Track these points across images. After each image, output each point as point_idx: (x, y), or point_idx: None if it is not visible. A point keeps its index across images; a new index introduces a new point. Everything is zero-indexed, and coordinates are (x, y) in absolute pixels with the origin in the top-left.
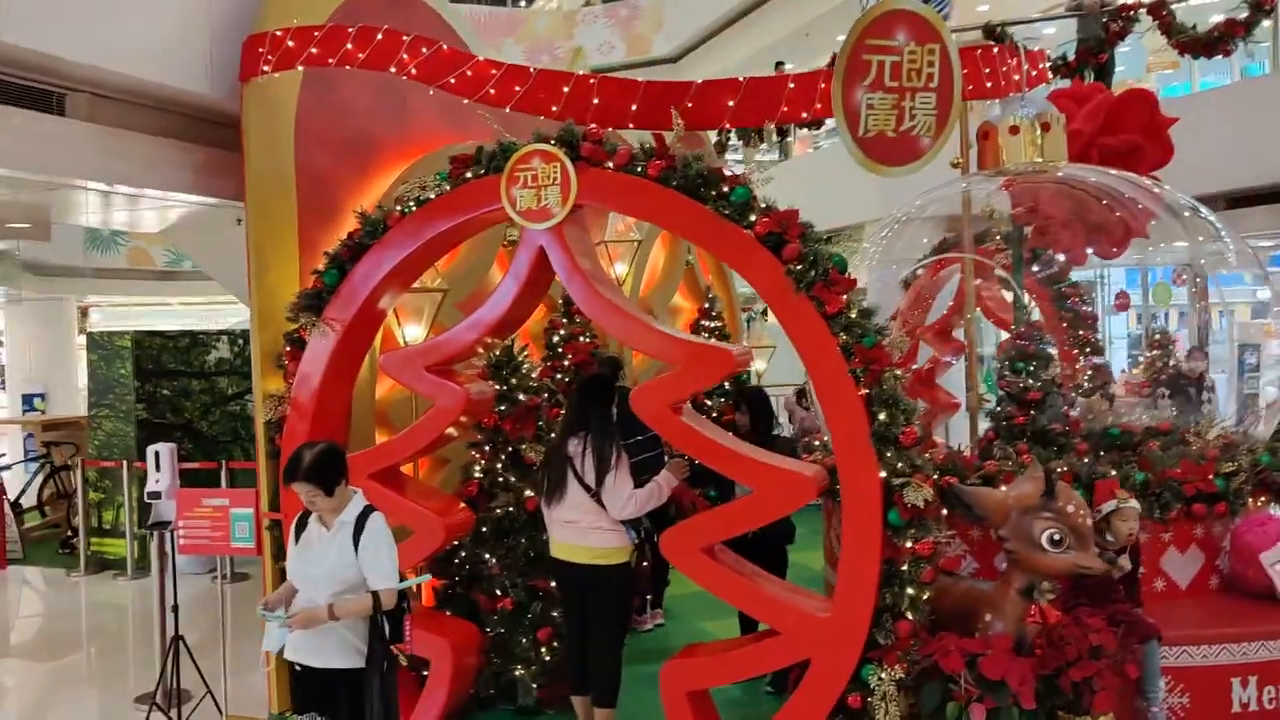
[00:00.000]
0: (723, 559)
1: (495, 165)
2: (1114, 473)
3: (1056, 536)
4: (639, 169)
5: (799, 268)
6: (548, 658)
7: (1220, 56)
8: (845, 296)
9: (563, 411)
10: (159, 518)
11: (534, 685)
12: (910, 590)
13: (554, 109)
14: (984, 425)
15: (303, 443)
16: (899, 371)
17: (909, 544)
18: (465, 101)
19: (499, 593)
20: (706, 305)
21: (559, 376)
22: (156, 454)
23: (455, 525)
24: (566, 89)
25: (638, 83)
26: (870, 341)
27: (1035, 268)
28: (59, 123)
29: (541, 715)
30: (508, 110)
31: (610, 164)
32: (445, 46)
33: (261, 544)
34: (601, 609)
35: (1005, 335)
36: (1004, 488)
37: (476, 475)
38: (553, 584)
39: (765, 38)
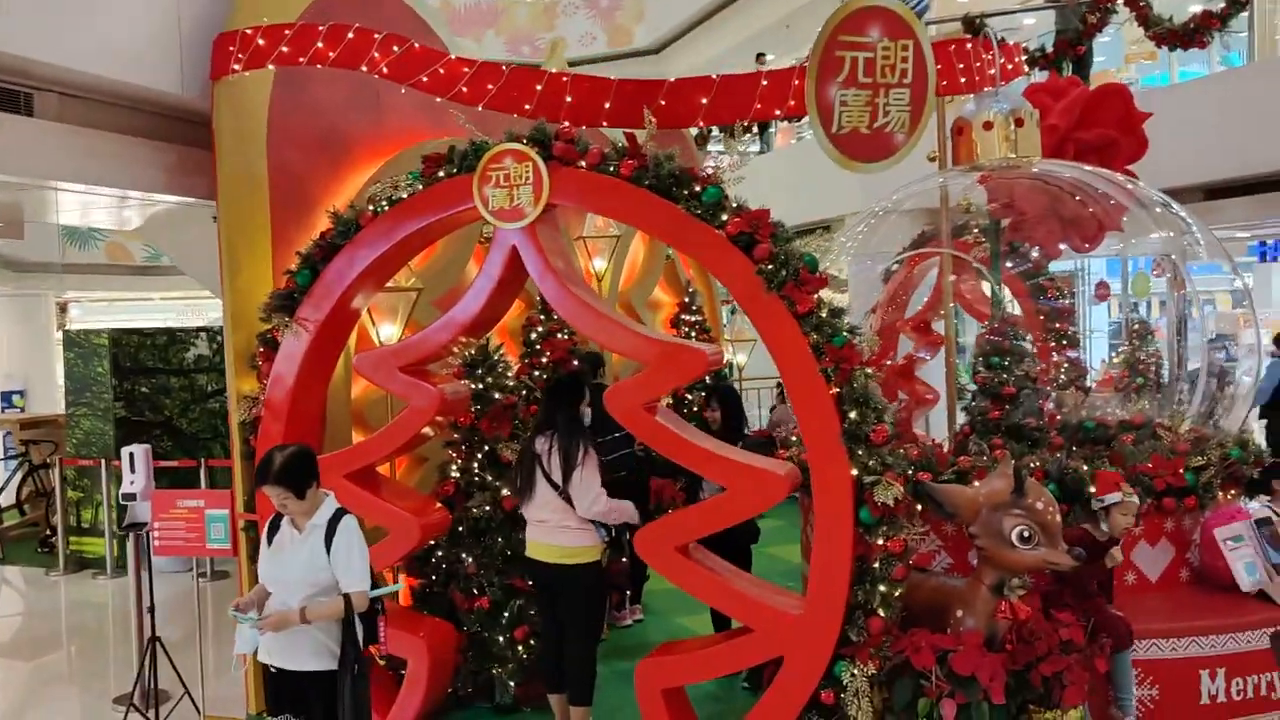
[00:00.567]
0: (697, 557)
1: (467, 164)
2: (1086, 467)
3: (1026, 533)
4: (611, 168)
5: (770, 267)
6: (525, 656)
7: (1197, 48)
8: (816, 296)
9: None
10: (135, 519)
11: (511, 684)
12: (882, 587)
13: (527, 107)
14: (961, 419)
15: (273, 446)
16: (870, 370)
17: (880, 541)
18: (437, 100)
19: (476, 592)
20: (687, 299)
21: (536, 374)
22: (131, 455)
23: (431, 525)
24: (539, 87)
25: (611, 81)
26: (841, 341)
27: (1010, 262)
28: (27, 123)
29: (519, 713)
30: (480, 108)
31: (583, 163)
32: (417, 44)
33: (237, 545)
34: (573, 608)
35: (981, 329)
36: (976, 484)
37: (453, 475)
38: (529, 583)
39: (746, 29)
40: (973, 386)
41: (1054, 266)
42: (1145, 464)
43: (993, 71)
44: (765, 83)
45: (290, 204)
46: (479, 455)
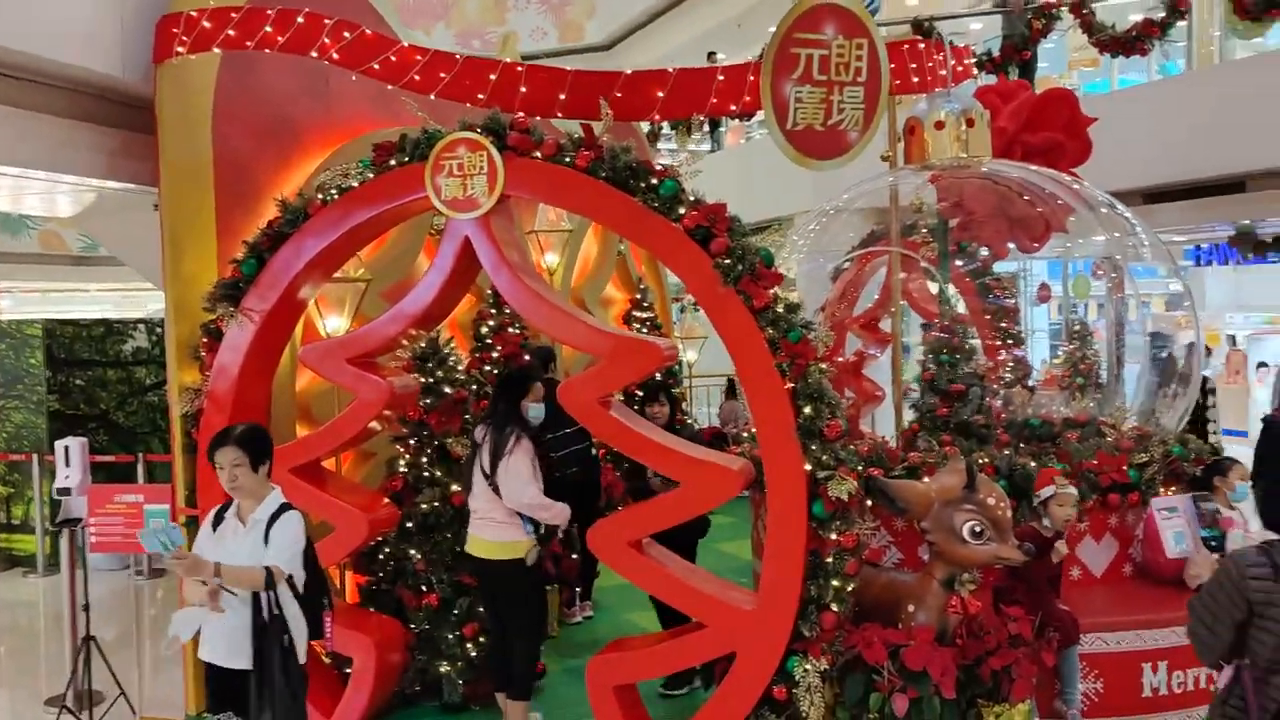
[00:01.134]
0: (650, 553)
1: (420, 153)
2: (1034, 464)
3: (977, 528)
4: (567, 159)
5: (727, 261)
6: (474, 654)
7: (1138, 55)
8: (772, 291)
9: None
10: (69, 514)
11: (460, 682)
12: (835, 582)
13: (480, 97)
14: (909, 416)
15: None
16: (824, 365)
17: (834, 536)
18: (389, 88)
19: (424, 589)
20: (638, 296)
21: (487, 369)
22: (66, 449)
23: (379, 521)
24: (494, 77)
25: (566, 72)
26: (796, 336)
27: (960, 261)
28: None
29: (467, 712)
30: (433, 97)
31: (538, 154)
32: (369, 31)
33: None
34: (510, 604)
35: (930, 327)
36: (927, 480)
37: (401, 470)
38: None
39: (698, 26)
40: (918, 385)
41: (997, 267)
42: (1091, 460)
43: (944, 73)
44: (721, 78)
45: (236, 192)
46: (428, 450)
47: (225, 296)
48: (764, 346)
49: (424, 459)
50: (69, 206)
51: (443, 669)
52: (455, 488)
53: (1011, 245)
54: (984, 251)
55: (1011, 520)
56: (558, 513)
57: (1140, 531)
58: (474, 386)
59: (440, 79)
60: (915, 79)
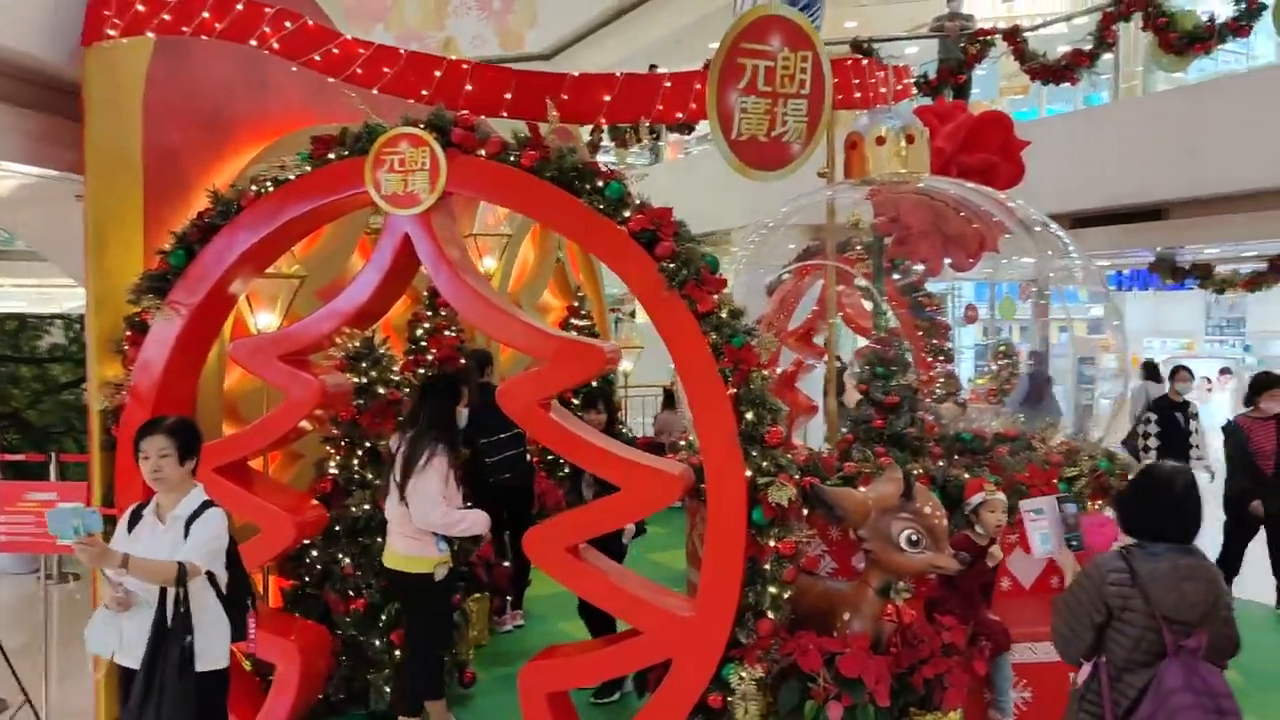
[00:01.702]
0: (587, 558)
1: (360, 147)
2: (966, 475)
3: (914, 537)
4: (512, 158)
5: (671, 266)
6: (402, 661)
7: (1068, 84)
8: (716, 296)
9: None
10: None
11: (386, 689)
12: (772, 589)
13: (424, 93)
14: (842, 428)
15: None
16: (766, 372)
17: (772, 543)
18: (331, 80)
19: (352, 594)
20: (576, 304)
21: (421, 371)
22: None
23: (306, 523)
24: (439, 73)
25: (513, 71)
26: (739, 341)
27: (895, 276)
28: None
29: None
30: (375, 92)
31: (482, 152)
32: (311, 22)
33: None
34: (412, 617)
35: (863, 341)
36: (863, 489)
37: (331, 471)
38: None
39: (638, 41)
40: (850, 398)
41: (930, 285)
42: (1022, 473)
43: (885, 90)
44: (668, 84)
45: (166, 182)
46: (359, 452)
47: (151, 289)
48: (707, 351)
49: (355, 461)
50: None
51: (369, 676)
52: None
53: (947, 261)
54: (919, 267)
55: (947, 529)
56: (472, 522)
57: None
58: (408, 389)
59: (384, 73)
60: (858, 94)
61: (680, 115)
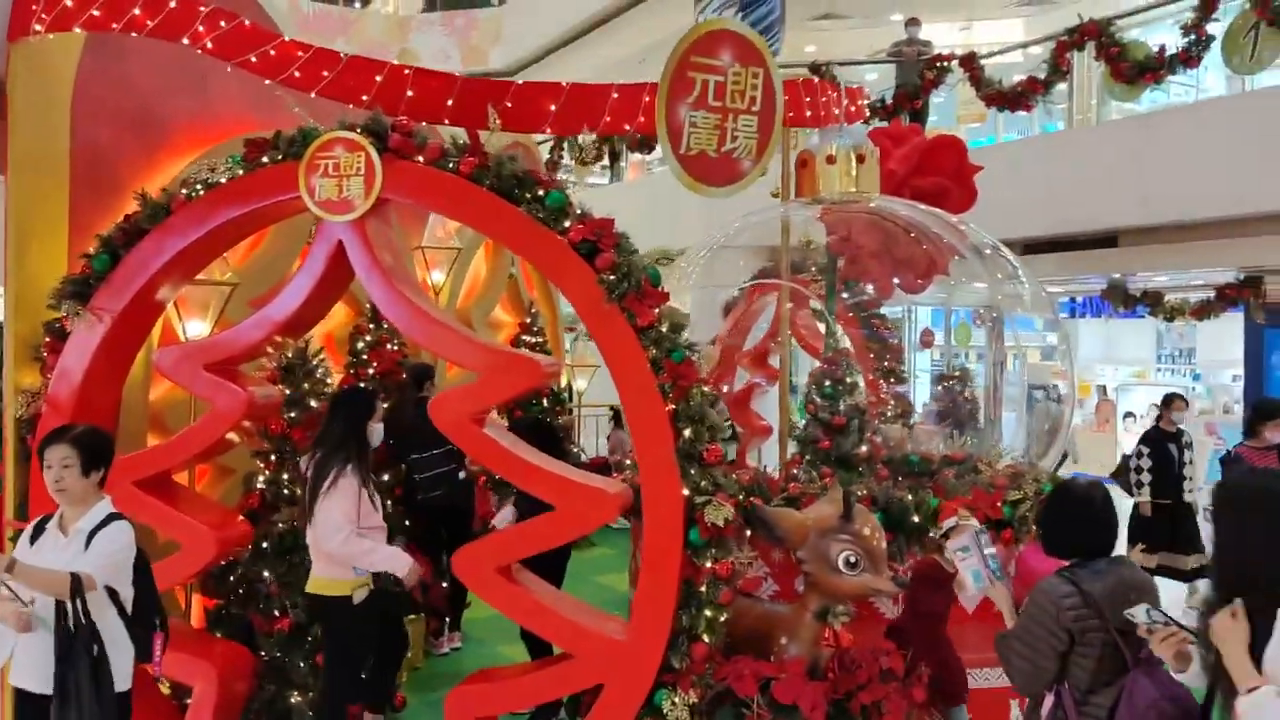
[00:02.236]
0: (519, 579)
1: (294, 151)
2: (910, 497)
3: (852, 559)
4: (451, 165)
5: (612, 278)
6: None
7: (1023, 111)
8: (657, 310)
9: None
10: None
11: (310, 713)
12: (708, 612)
13: (364, 98)
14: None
15: None
16: (707, 388)
17: (709, 564)
18: (267, 82)
19: (277, 614)
20: (529, 320)
21: (362, 386)
22: None
23: (228, 539)
24: (379, 78)
25: (455, 77)
26: (679, 356)
27: (845, 295)
28: None
29: None
30: (313, 95)
31: (420, 158)
32: (248, 22)
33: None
34: (328, 640)
35: (816, 362)
36: (806, 510)
37: (259, 486)
38: None
39: (601, 59)
40: (804, 419)
41: (885, 310)
42: (966, 496)
43: (837, 110)
44: (616, 95)
45: (94, 185)
46: (289, 467)
47: (73, 294)
48: (646, 366)
49: (285, 475)
50: None
51: (293, 699)
52: None
53: (896, 281)
54: (870, 289)
55: (886, 551)
56: (384, 558)
57: (1013, 568)
58: None
59: (323, 77)
60: (809, 112)
61: (628, 127)
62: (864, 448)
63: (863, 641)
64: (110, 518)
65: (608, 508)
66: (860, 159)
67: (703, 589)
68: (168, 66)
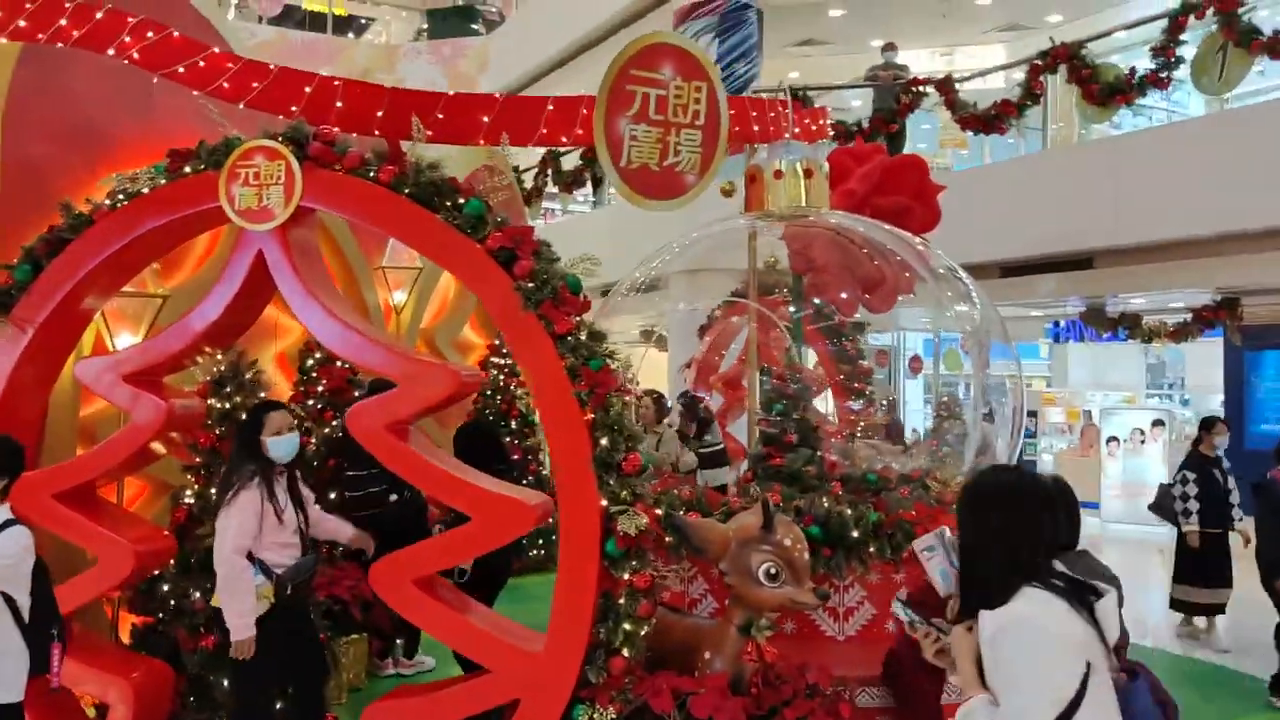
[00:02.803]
0: (438, 593)
1: (215, 160)
2: (850, 511)
3: (773, 570)
4: (370, 173)
5: (529, 285)
6: None
7: (998, 134)
8: (575, 318)
9: (310, 439)
10: None
11: None
12: (626, 625)
13: (293, 109)
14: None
15: None
16: (626, 397)
17: (627, 576)
18: (195, 94)
19: (202, 630)
20: (498, 341)
21: (311, 403)
22: None
23: (149, 554)
24: (309, 89)
25: (385, 89)
26: (597, 364)
27: (808, 313)
28: None
29: None
30: (241, 107)
31: (339, 166)
32: (176, 34)
33: None
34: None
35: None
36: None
37: (187, 501)
38: None
39: (586, 85)
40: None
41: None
42: (909, 512)
43: (786, 127)
44: (551, 107)
45: (26, 198)
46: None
47: None
48: (563, 374)
49: (212, 490)
50: None
51: (214, 719)
52: None
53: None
54: (832, 309)
55: (809, 564)
56: (237, 595)
57: None
58: (295, 421)
59: (251, 88)
60: (756, 128)
61: (565, 139)
62: (812, 466)
63: (800, 658)
64: (6, 524)
65: (525, 519)
66: (808, 174)
67: (621, 601)
68: (110, 81)
